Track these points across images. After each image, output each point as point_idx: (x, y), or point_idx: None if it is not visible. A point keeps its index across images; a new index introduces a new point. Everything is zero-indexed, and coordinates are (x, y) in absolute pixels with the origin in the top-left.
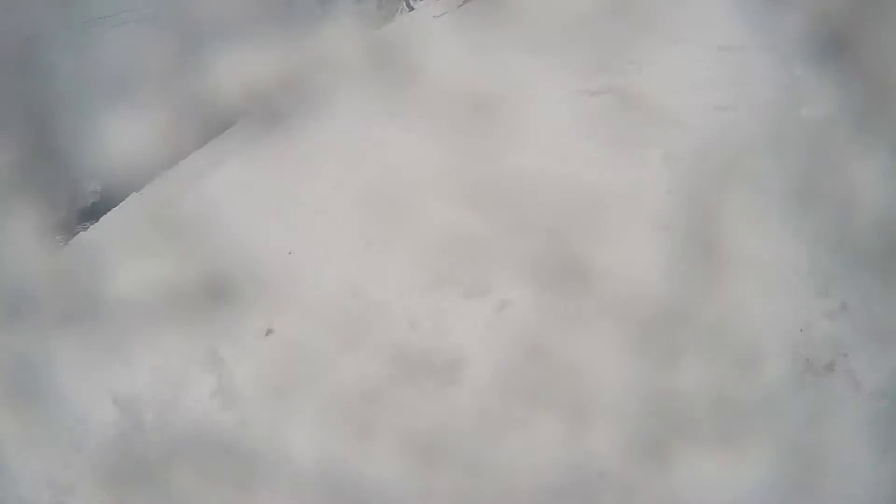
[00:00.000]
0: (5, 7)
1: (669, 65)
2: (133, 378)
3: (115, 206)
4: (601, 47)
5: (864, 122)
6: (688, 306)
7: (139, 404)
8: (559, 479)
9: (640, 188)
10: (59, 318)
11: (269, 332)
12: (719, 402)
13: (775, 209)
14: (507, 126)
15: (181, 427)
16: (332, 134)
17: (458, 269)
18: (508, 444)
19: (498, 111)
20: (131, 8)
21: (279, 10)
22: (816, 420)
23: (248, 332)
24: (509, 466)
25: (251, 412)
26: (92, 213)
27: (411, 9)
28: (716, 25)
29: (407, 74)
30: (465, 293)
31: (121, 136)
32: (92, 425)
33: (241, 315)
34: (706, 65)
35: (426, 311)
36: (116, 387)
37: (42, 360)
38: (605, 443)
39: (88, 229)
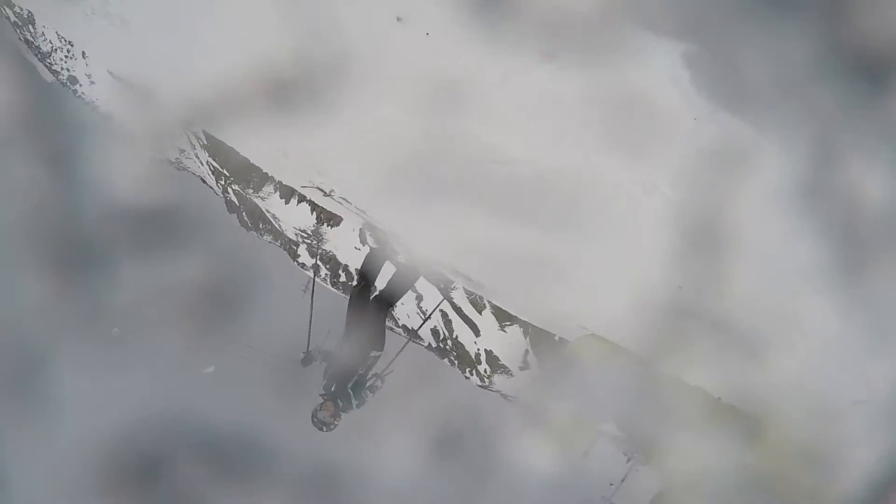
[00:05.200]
0: None
1: (671, 62)
2: (135, 380)
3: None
4: (605, 45)
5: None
6: (694, 299)
7: (141, 406)
8: (561, 479)
9: (645, 184)
10: (63, 321)
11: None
12: (725, 395)
13: (781, 203)
14: (509, 122)
15: (183, 429)
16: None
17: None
18: (511, 444)
19: (497, 105)
20: None
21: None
22: (821, 416)
23: (248, 332)
24: (513, 467)
25: (254, 413)
26: None
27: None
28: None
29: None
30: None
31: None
32: (94, 427)
33: (244, 321)
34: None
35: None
36: (118, 389)
37: (45, 363)
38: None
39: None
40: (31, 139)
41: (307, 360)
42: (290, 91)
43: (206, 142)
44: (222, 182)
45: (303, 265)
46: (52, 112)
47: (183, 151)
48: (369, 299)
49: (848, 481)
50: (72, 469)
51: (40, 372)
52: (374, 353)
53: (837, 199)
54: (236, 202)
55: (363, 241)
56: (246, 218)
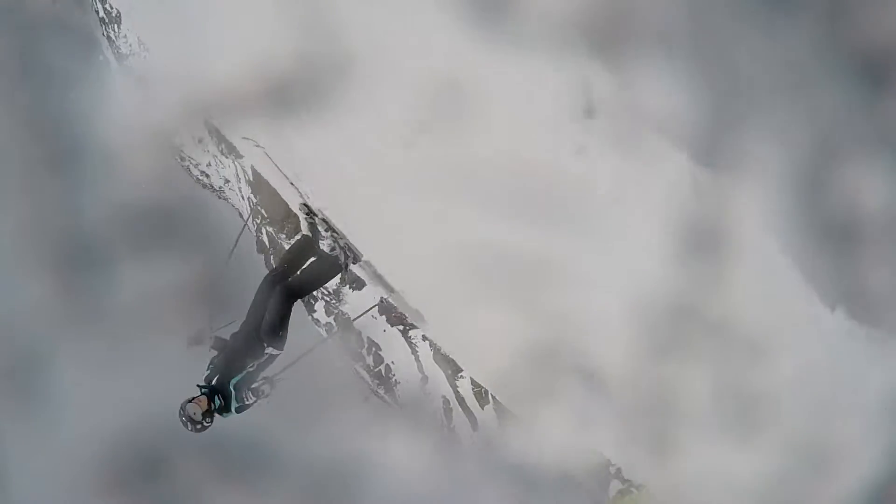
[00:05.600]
0: None
1: (670, 63)
2: (135, 380)
3: None
4: (603, 45)
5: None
6: (694, 301)
7: (141, 406)
8: (565, 472)
9: (646, 182)
10: (63, 321)
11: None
12: (725, 395)
13: (781, 203)
14: (508, 122)
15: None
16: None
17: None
18: (515, 438)
19: (498, 105)
20: None
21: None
22: (822, 413)
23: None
24: (516, 460)
25: (254, 413)
26: None
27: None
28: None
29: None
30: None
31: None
32: (94, 427)
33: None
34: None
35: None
36: (118, 389)
37: (45, 363)
38: (611, 436)
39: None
40: (33, 137)
41: (196, 339)
42: (291, 90)
43: (251, 178)
44: (258, 221)
45: (317, 321)
46: (57, 109)
47: (228, 182)
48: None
49: (848, 481)
50: (72, 469)
51: (40, 372)
52: (269, 350)
53: (838, 200)
54: (267, 244)
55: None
56: (273, 262)
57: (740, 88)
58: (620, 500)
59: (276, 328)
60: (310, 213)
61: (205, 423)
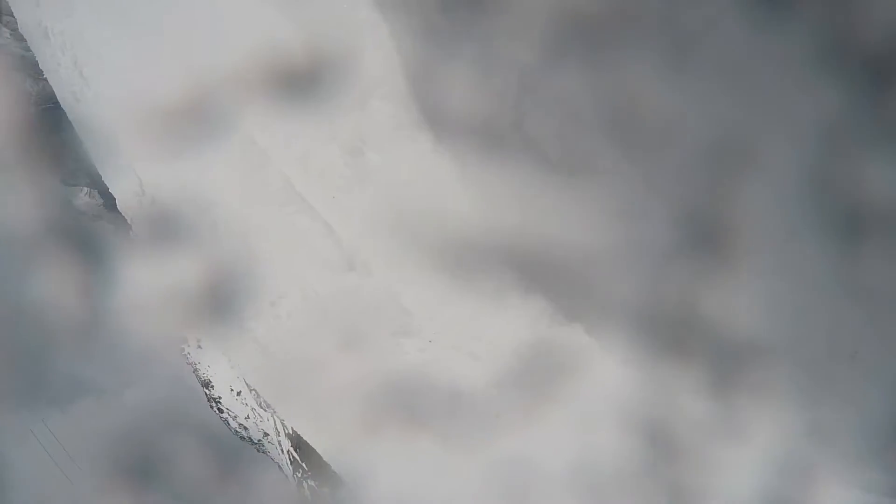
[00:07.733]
0: None
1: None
2: (140, 379)
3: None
4: (602, 44)
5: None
6: (694, 298)
7: (141, 406)
8: (566, 472)
9: (646, 180)
10: (67, 321)
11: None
12: (722, 394)
13: (784, 200)
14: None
15: (187, 427)
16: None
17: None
18: (517, 439)
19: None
20: None
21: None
22: (818, 411)
23: (248, 335)
24: (517, 461)
25: (255, 411)
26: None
27: None
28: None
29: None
30: (472, 290)
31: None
32: (94, 427)
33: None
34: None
35: (427, 302)
36: (119, 388)
37: (45, 363)
38: (610, 436)
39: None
40: (34, 141)
41: None
42: (291, 83)
43: (290, 431)
44: (299, 474)
45: None
46: (58, 115)
47: (266, 436)
48: None
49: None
50: (72, 469)
51: (41, 372)
52: None
53: (842, 196)
54: (309, 497)
55: None
56: None
57: (742, 88)
58: None
59: None
60: None
61: None
